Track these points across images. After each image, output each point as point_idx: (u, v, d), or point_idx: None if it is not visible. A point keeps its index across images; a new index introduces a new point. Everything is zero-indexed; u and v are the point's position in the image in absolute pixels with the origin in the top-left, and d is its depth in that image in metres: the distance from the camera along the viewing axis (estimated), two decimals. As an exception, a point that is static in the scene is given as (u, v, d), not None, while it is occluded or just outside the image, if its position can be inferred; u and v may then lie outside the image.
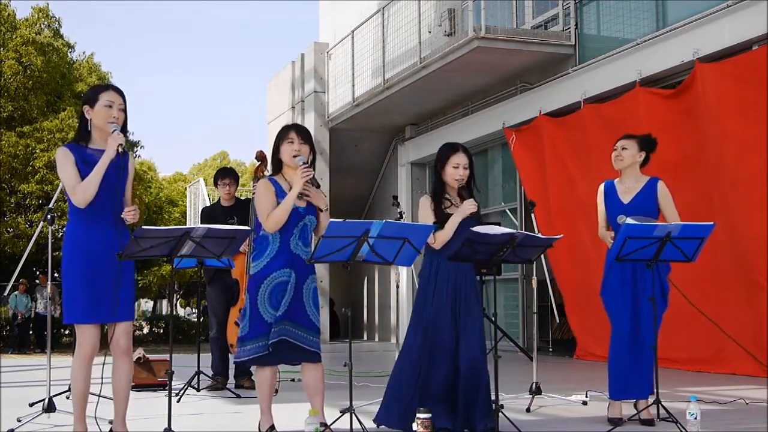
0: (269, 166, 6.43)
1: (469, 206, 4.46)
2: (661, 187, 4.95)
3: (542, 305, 9.59)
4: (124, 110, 4.01)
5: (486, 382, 4.41)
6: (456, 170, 4.55)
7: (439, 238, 4.49)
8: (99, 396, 4.32)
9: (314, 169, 4.29)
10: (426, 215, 4.57)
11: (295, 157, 4.21)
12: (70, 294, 3.90)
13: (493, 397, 4.39)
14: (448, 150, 4.63)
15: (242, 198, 7.29)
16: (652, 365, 4.82)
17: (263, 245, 4.23)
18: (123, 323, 3.99)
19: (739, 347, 7.51)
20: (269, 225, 4.16)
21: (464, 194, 4.55)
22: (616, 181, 5.10)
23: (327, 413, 4.36)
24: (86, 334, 3.90)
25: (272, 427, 4.28)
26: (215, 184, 7.18)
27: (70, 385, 5.92)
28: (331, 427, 4.27)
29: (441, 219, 4.52)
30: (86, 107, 4.00)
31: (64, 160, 3.90)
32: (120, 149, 3.85)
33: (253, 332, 4.17)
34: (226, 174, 7.11)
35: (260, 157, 6.62)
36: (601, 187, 5.12)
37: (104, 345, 4.00)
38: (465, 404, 4.38)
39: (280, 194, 4.21)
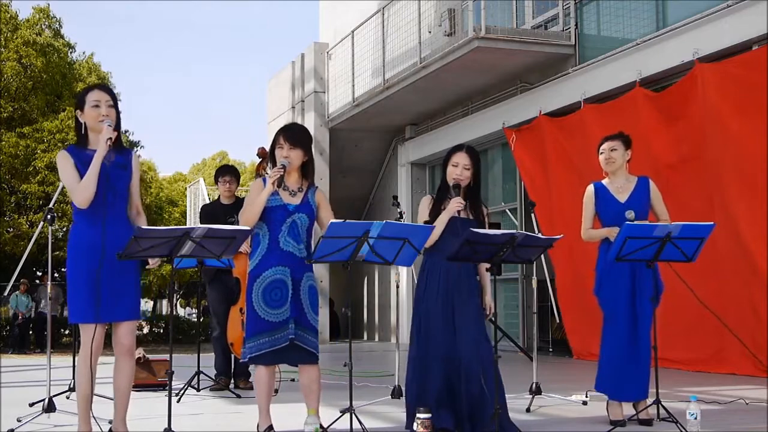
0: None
1: (455, 205, 4.42)
2: (653, 186, 5.06)
3: (542, 305, 9.59)
4: (113, 106, 4.01)
5: (489, 380, 4.28)
6: (454, 168, 4.55)
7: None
8: (94, 395, 4.31)
9: (311, 172, 4.35)
10: (422, 213, 4.60)
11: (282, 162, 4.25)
12: (72, 294, 3.93)
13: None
14: (452, 149, 4.67)
15: (242, 197, 7.26)
16: (650, 366, 4.83)
17: (255, 243, 4.28)
18: (125, 323, 4.00)
19: (741, 344, 7.49)
20: (241, 219, 4.23)
21: (455, 192, 4.50)
22: (604, 181, 5.10)
23: (327, 413, 4.35)
24: (89, 334, 3.91)
25: (270, 427, 4.28)
26: (216, 181, 7.16)
27: (70, 384, 5.98)
28: (331, 427, 4.28)
29: (434, 217, 4.53)
30: (78, 111, 4.04)
31: (63, 162, 3.94)
32: (109, 142, 3.87)
33: (251, 331, 4.18)
34: (226, 171, 7.10)
35: (262, 154, 6.58)
36: (591, 188, 5.10)
37: (108, 344, 4.01)
38: (469, 404, 4.31)
39: (273, 192, 4.22)
